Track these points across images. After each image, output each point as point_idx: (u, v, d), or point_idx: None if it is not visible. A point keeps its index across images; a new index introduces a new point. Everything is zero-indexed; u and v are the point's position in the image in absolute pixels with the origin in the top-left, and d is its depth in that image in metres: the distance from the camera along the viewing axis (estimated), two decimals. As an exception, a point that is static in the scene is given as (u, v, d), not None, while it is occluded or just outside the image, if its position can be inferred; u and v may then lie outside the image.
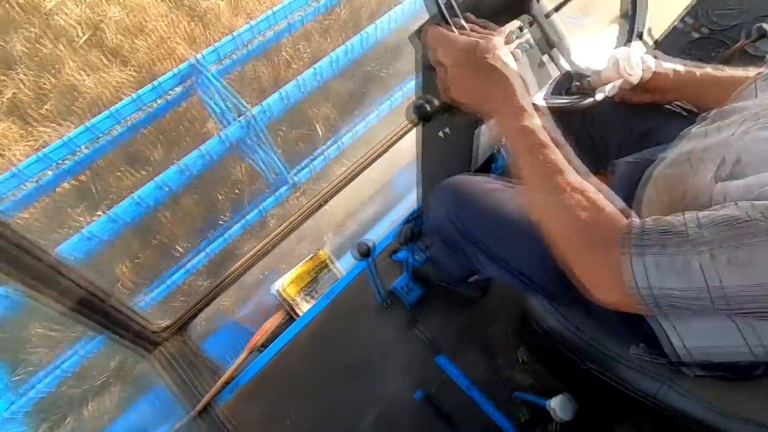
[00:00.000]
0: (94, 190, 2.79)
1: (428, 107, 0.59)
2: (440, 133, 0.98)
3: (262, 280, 1.81)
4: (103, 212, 2.26)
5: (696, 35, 1.22)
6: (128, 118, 2.59)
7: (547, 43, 0.72)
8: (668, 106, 0.87)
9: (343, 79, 3.10)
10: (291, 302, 1.51)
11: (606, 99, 0.89)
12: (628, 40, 0.74)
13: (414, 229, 0.97)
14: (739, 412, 0.59)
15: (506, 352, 1.28)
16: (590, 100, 0.69)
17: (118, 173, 2.85)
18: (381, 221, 2.25)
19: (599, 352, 0.75)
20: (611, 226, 0.48)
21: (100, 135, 2.57)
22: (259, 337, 1.41)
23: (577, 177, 0.53)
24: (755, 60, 1.15)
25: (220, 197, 2.78)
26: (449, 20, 0.58)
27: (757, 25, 1.03)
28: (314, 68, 2.55)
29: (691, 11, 1.22)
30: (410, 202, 1.99)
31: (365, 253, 0.89)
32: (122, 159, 2.89)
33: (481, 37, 0.57)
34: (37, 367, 1.93)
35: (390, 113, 2.67)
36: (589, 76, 0.68)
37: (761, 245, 0.39)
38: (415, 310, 1.33)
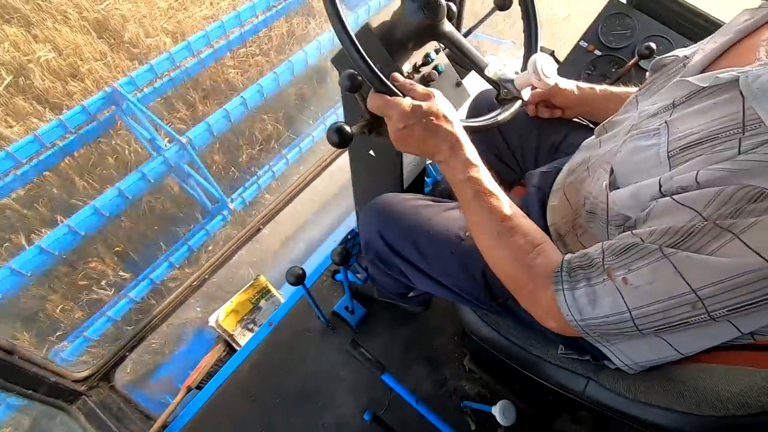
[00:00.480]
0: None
1: (348, 130, 0.59)
2: (370, 152, 0.99)
3: (199, 314, 1.71)
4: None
5: (598, 53, 1.34)
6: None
7: (459, 64, 0.75)
8: (575, 119, 0.95)
9: (277, 102, 3.07)
10: (230, 334, 1.44)
11: (520, 117, 0.95)
12: (524, 60, 0.80)
13: (349, 249, 0.96)
14: (649, 400, 0.64)
15: (452, 362, 1.30)
16: (519, 102, 0.73)
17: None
18: (326, 241, 2.23)
19: (531, 354, 0.78)
20: (548, 267, 0.54)
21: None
22: (196, 375, 1.32)
23: (521, 220, 0.57)
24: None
25: (155, 228, 2.61)
26: (389, 86, 0.59)
27: (646, 44, 1.15)
28: (242, 97, 2.50)
29: (589, 33, 1.34)
30: (352, 220, 1.99)
31: (298, 278, 0.87)
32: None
33: (422, 97, 0.59)
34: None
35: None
36: (513, 80, 0.71)
37: (650, 264, 0.44)
38: (360, 330, 1.31)
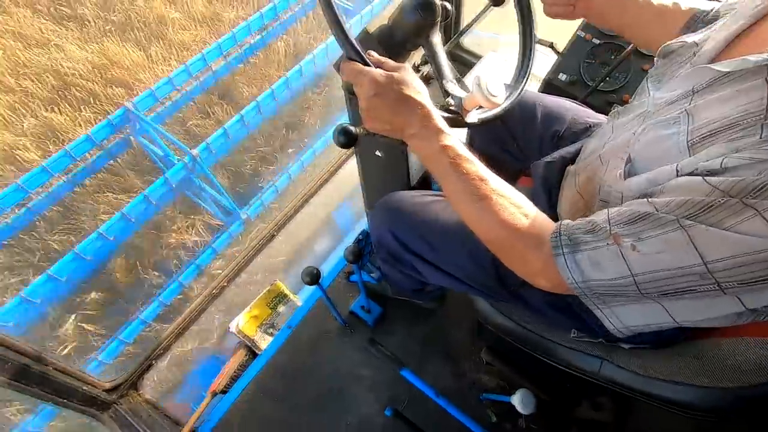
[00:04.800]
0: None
1: (353, 130, 0.61)
2: (377, 152, 1.02)
3: (220, 321, 1.76)
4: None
5: (596, 42, 1.35)
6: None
7: (436, 73, 0.72)
8: (575, 104, 0.96)
9: (286, 111, 3.13)
10: (251, 339, 1.48)
11: (522, 106, 0.95)
12: (523, 55, 0.79)
13: (362, 248, 0.99)
14: (665, 376, 0.65)
15: (470, 356, 1.31)
16: (492, 111, 0.70)
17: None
18: (339, 244, 2.26)
19: (545, 340, 0.80)
20: (539, 228, 0.54)
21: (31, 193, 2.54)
22: (221, 380, 1.36)
23: (500, 182, 0.58)
24: (649, 58, 1.29)
25: (171, 241, 2.71)
26: (362, 55, 0.59)
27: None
28: (256, 102, 2.58)
29: (586, 23, 1.35)
30: (363, 223, 2.02)
31: (314, 278, 0.90)
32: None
33: (393, 69, 0.59)
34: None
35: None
36: (462, 98, 0.68)
37: (663, 235, 0.44)
38: (377, 329, 1.34)
